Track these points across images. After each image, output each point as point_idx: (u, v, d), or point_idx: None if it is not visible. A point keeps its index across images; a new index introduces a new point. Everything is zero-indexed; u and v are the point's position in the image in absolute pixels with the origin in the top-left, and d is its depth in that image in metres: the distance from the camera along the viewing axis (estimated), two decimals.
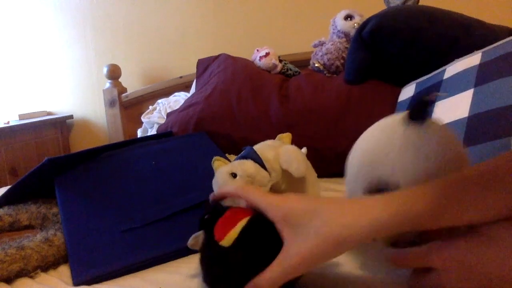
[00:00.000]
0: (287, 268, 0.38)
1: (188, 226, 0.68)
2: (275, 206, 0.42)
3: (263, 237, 0.42)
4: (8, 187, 0.90)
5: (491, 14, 1.37)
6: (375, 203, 0.38)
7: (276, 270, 0.39)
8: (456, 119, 0.72)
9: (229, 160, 0.84)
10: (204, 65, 1.41)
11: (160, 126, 1.21)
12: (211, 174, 0.76)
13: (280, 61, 1.34)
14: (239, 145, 1.04)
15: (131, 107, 1.79)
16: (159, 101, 1.56)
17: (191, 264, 0.60)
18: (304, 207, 0.40)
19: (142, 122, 1.54)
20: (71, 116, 2.04)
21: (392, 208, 0.36)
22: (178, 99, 1.52)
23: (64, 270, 0.62)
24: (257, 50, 1.36)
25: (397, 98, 1.02)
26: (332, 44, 1.23)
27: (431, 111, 0.44)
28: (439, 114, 0.76)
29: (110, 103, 1.79)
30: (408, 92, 0.98)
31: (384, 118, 0.49)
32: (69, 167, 0.81)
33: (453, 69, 0.83)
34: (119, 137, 1.78)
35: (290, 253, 0.39)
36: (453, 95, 0.76)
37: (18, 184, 0.79)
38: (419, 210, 0.35)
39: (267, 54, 1.32)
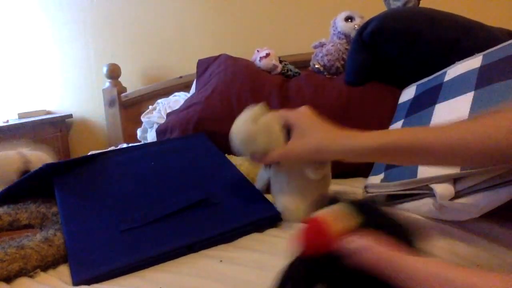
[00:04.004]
0: (285, 151, 0.65)
1: (187, 225, 0.68)
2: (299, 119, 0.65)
3: None
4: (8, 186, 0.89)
5: (492, 16, 1.37)
6: (358, 136, 0.58)
7: (278, 152, 0.66)
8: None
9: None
10: (204, 65, 1.40)
11: (160, 126, 1.21)
12: (210, 174, 0.76)
13: (280, 62, 1.34)
14: None
15: (130, 106, 1.79)
16: (159, 101, 1.56)
17: (191, 264, 0.60)
18: (311, 123, 0.64)
19: (141, 122, 1.54)
20: (70, 115, 2.03)
21: (359, 141, 0.57)
22: (178, 99, 1.52)
23: (64, 270, 0.62)
24: (258, 51, 1.36)
25: (397, 100, 1.02)
26: (332, 46, 1.23)
27: None
28: (439, 116, 0.77)
29: (110, 103, 1.79)
30: (408, 93, 0.98)
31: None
32: (67, 171, 0.80)
33: (454, 71, 0.83)
34: (119, 137, 1.78)
35: (290, 144, 0.64)
36: (454, 98, 0.76)
37: (15, 186, 0.79)
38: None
39: (267, 55, 1.32)
